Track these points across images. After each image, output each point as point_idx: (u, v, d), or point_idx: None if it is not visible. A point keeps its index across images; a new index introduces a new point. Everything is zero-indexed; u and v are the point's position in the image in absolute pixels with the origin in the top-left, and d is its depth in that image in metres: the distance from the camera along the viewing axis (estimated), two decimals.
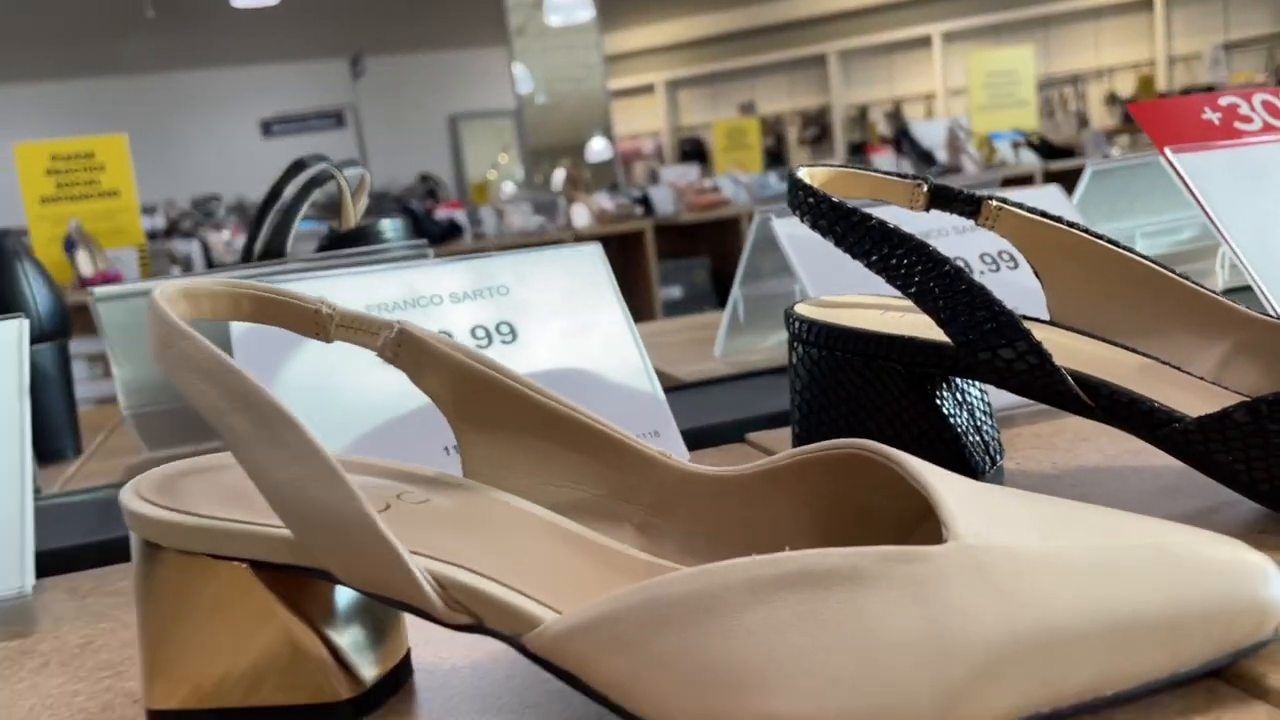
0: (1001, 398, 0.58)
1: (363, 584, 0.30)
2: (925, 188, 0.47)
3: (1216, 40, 7.93)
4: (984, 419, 0.47)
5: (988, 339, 0.41)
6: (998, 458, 0.46)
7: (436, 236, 3.39)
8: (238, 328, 0.51)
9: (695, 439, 0.59)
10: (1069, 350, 0.44)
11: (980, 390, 0.48)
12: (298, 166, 0.80)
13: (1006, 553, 0.27)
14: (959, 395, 0.46)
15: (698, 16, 9.48)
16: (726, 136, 5.41)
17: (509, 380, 0.35)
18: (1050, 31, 8.61)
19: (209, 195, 7.09)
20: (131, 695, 0.36)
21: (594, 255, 0.58)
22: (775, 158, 8.44)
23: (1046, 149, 3.77)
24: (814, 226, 0.45)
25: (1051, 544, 0.28)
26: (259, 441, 0.29)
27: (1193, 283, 0.45)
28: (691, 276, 3.92)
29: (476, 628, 0.29)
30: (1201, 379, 0.44)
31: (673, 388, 0.75)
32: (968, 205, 0.47)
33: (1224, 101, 0.73)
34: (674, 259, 3.91)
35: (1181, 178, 0.65)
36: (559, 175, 4.74)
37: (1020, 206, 0.47)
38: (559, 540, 0.34)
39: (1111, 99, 8.46)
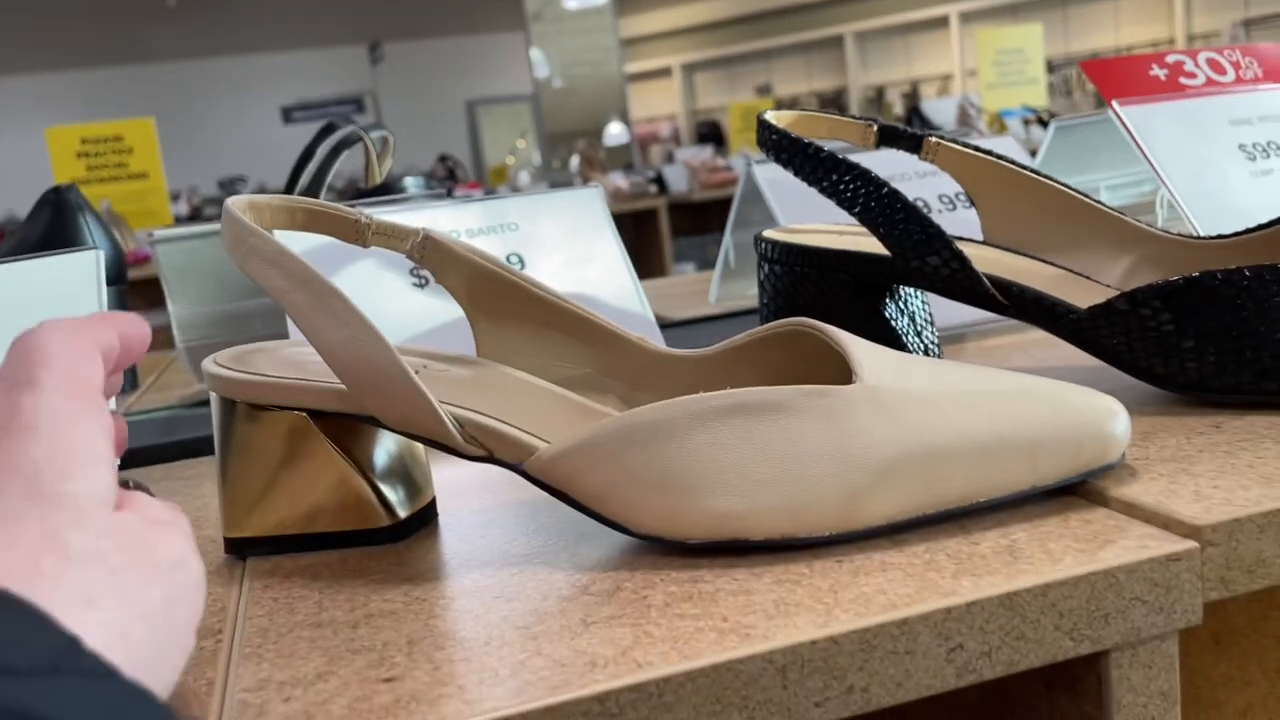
0: (953, 316, 0.65)
1: (400, 424, 0.38)
2: (875, 127, 0.55)
3: (1235, 18, 7.90)
4: (925, 325, 0.54)
5: (918, 248, 0.48)
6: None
7: None
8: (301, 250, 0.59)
9: None
10: (993, 262, 0.51)
11: (923, 302, 0.55)
12: (328, 129, 0.88)
13: (899, 391, 0.35)
14: (902, 304, 0.53)
15: (712, 0, 9.50)
16: (742, 118, 5.46)
17: (515, 277, 0.43)
18: (1069, 11, 8.59)
19: (234, 177, 7.20)
20: (209, 539, 0.44)
21: (594, 197, 0.66)
22: None
23: None
24: (777, 160, 0.53)
25: (937, 386, 0.36)
26: (315, 312, 0.37)
27: (1104, 206, 0.53)
28: (705, 253, 4.00)
29: (488, 458, 0.37)
30: (1109, 286, 0.51)
31: (668, 325, 0.83)
32: (910, 142, 0.54)
33: (1171, 59, 0.79)
34: (687, 236, 3.99)
35: (1126, 127, 0.72)
36: (576, 160, 4.83)
37: (956, 142, 0.54)
38: (555, 401, 0.42)
39: None
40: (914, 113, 4.30)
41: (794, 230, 0.56)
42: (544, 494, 0.37)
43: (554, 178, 5.10)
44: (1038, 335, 0.63)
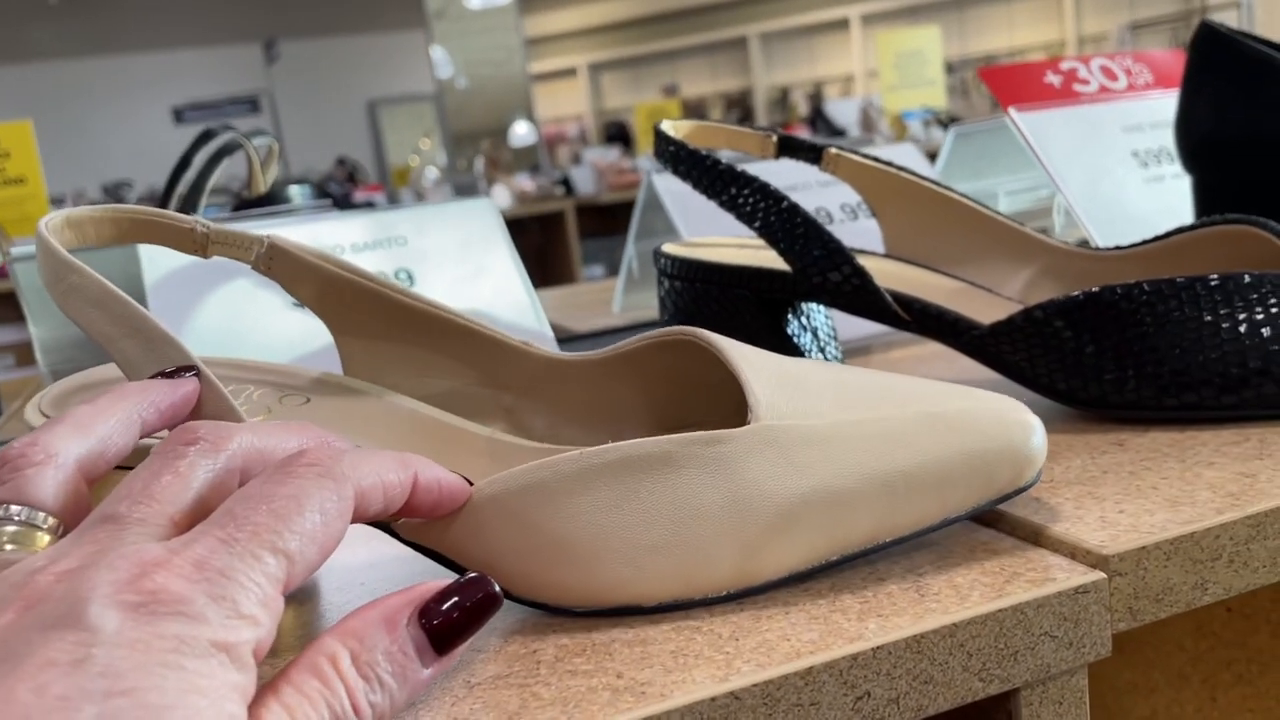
0: (857, 329, 0.64)
1: None
2: (774, 138, 0.53)
3: (1122, 20, 8.20)
4: (828, 340, 0.53)
5: (819, 264, 0.47)
6: None
7: None
8: (151, 275, 0.56)
9: None
10: (894, 276, 0.50)
11: (826, 317, 0.54)
12: (206, 136, 0.84)
13: (797, 430, 0.33)
14: (804, 320, 0.52)
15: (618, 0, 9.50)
16: (649, 118, 5.46)
17: (376, 285, 0.40)
18: (965, 14, 8.81)
19: (120, 182, 6.94)
20: None
21: (486, 209, 0.63)
22: None
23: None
24: (675, 172, 0.51)
25: (840, 418, 0.34)
26: (148, 362, 0.33)
27: (1004, 218, 0.52)
28: (614, 255, 3.98)
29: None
30: (1010, 299, 0.51)
31: (571, 338, 0.81)
32: (810, 153, 0.53)
33: (1065, 66, 0.80)
34: (596, 238, 3.97)
35: (1023, 134, 0.72)
36: (481, 162, 4.77)
37: (856, 153, 0.53)
38: (430, 432, 0.39)
39: None
40: (818, 114, 4.35)
41: (694, 245, 0.54)
42: None
43: (459, 179, 5.03)
44: (941, 347, 0.63)
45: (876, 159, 0.53)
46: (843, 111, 4.22)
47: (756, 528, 0.32)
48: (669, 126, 0.52)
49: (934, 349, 0.63)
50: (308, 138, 8.54)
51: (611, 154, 4.96)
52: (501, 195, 3.74)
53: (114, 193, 6.48)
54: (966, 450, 0.34)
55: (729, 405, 0.39)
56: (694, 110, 9.14)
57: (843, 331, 0.56)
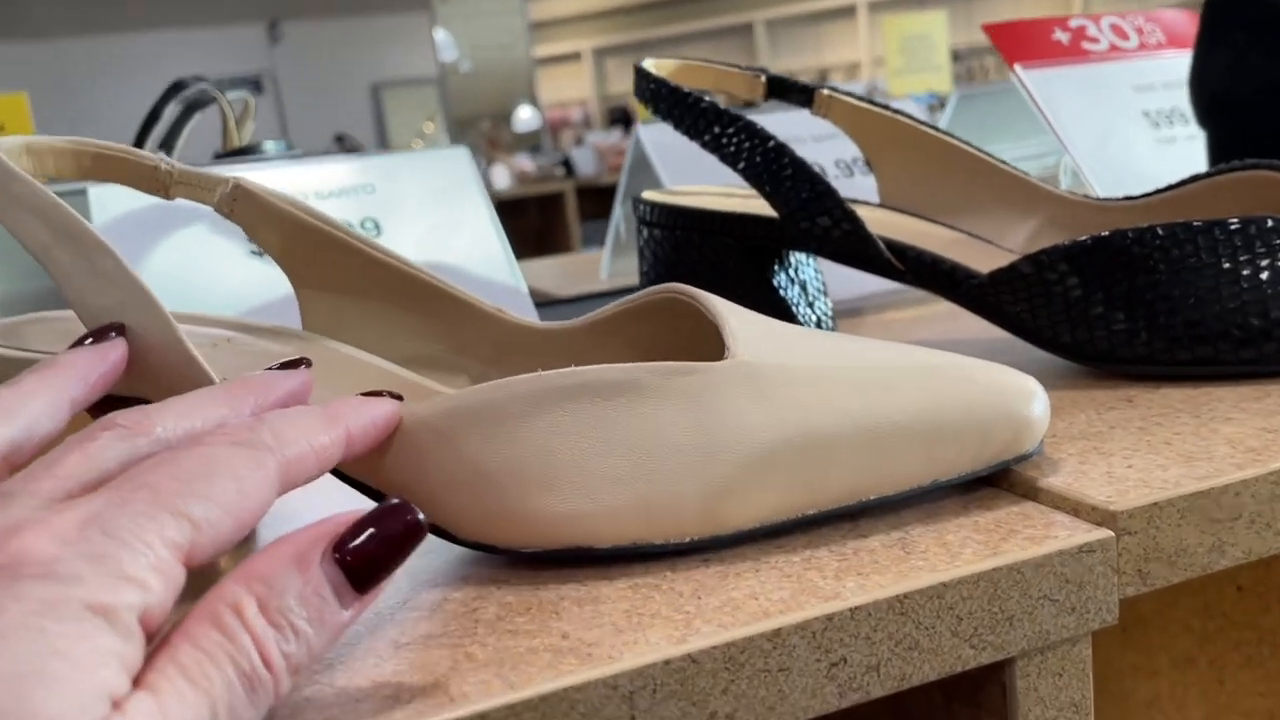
0: (850, 288, 0.61)
1: None
2: (763, 78, 0.50)
3: (1132, 6, 8.12)
4: (817, 295, 0.50)
5: (807, 208, 0.43)
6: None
7: None
8: (100, 218, 0.52)
9: None
10: (889, 225, 0.47)
11: (815, 270, 0.50)
12: (176, 88, 0.80)
13: (778, 368, 0.30)
14: (792, 272, 0.49)
15: None
16: None
17: (346, 236, 0.37)
18: (972, 1, 8.74)
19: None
20: None
21: (461, 157, 0.60)
22: None
23: None
24: (656, 111, 0.47)
25: (823, 363, 0.31)
26: (80, 272, 0.31)
27: (1008, 166, 0.49)
28: None
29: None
30: (1011, 251, 0.47)
31: (551, 302, 0.78)
32: (802, 95, 0.50)
33: (1074, 23, 0.76)
34: (596, 220, 3.92)
35: (1029, 92, 0.69)
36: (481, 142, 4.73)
37: (850, 95, 0.49)
38: (387, 382, 0.36)
39: None
40: None
41: (676, 192, 0.51)
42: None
43: None
44: (940, 308, 0.59)
45: (873, 102, 0.49)
46: None
47: (727, 466, 0.29)
48: (651, 64, 0.49)
49: (933, 309, 0.59)
50: (312, 119, 8.49)
51: (614, 136, 4.92)
52: (501, 175, 3.70)
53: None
54: (961, 404, 0.30)
55: None
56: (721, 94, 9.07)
57: (834, 291, 0.53)
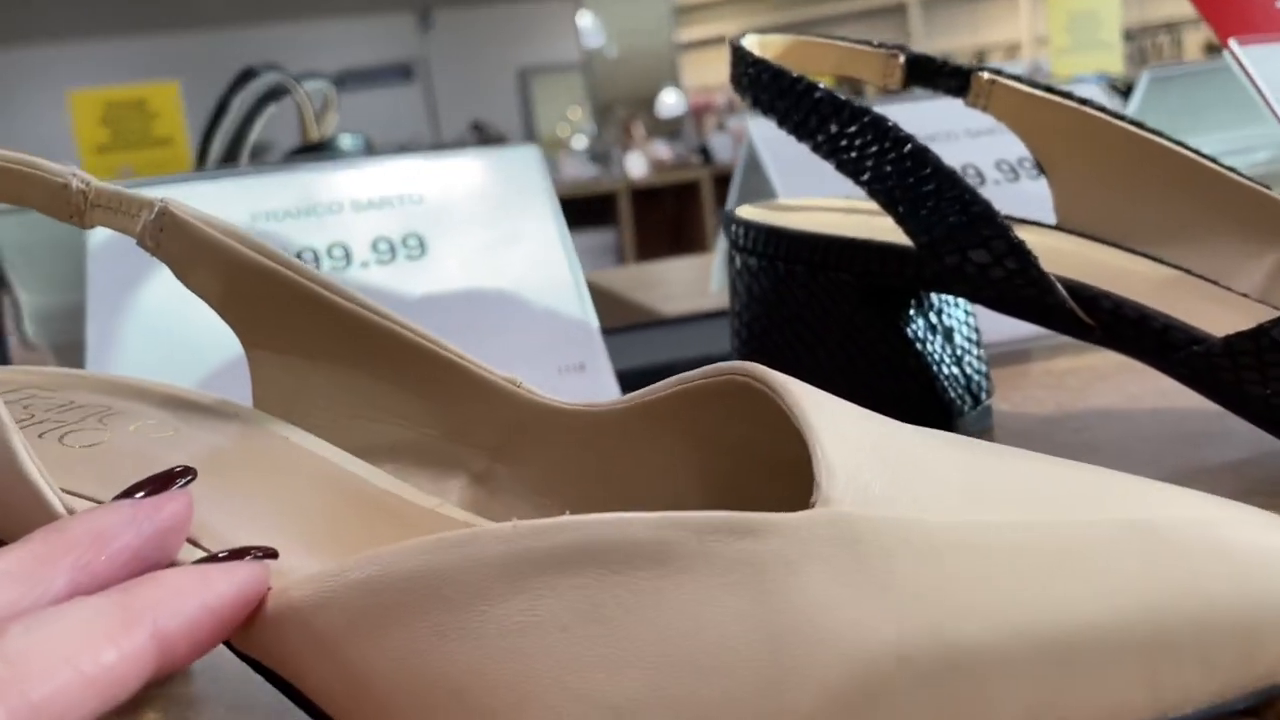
0: (1011, 328, 0.48)
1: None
2: (901, 58, 0.38)
3: None
4: (967, 347, 0.38)
5: (955, 237, 0.31)
6: (982, 395, 0.37)
7: None
8: (95, 239, 0.45)
9: (654, 377, 0.51)
10: (1071, 257, 0.34)
11: (966, 312, 0.38)
12: (246, 76, 0.73)
13: (900, 526, 0.19)
14: (933, 317, 0.37)
15: None
16: None
17: (307, 281, 0.27)
18: None
19: (268, 144, 7.13)
20: None
21: (529, 159, 0.49)
22: None
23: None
24: (755, 104, 0.36)
25: (972, 517, 0.19)
26: None
27: (1240, 176, 0.35)
28: None
29: None
30: (1245, 296, 0.34)
31: (656, 323, 0.67)
32: (953, 79, 0.38)
33: None
34: None
35: (1246, 71, 0.54)
36: (636, 130, 4.65)
37: (1018, 80, 0.37)
38: (341, 494, 0.26)
39: (1210, 48, 8.03)
40: None
41: (779, 208, 0.40)
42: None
43: (602, 148, 4.93)
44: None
45: (1050, 88, 0.37)
46: None
47: (807, 696, 0.17)
48: (753, 41, 0.38)
49: (1118, 358, 0.46)
50: (460, 105, 8.61)
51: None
52: (636, 164, 3.61)
53: (260, 153, 6.66)
54: (1207, 592, 0.19)
55: (795, 483, 0.24)
56: (848, 78, 8.82)
57: (986, 328, 0.41)
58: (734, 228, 0.38)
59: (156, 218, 0.27)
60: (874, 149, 0.32)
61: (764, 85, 0.35)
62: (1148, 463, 0.32)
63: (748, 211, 0.38)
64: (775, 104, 0.35)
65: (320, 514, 0.25)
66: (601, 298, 0.96)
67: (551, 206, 0.48)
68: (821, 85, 0.34)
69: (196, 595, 0.17)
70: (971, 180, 0.51)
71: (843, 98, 0.33)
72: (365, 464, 0.27)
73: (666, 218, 3.44)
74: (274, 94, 0.73)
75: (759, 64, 0.35)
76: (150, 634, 0.16)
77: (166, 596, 0.17)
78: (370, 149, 0.73)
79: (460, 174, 0.48)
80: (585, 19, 7.36)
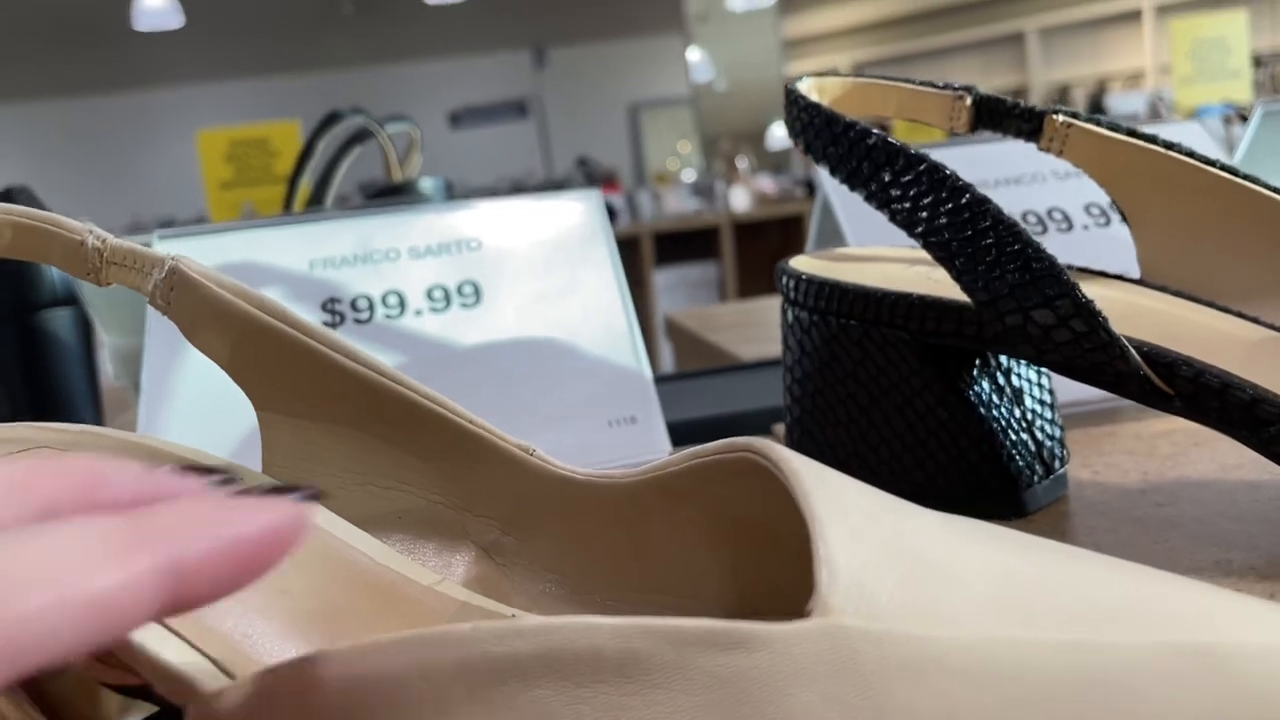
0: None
1: None
2: (968, 100, 0.35)
3: None
4: (1039, 410, 0.35)
5: (1016, 296, 0.29)
6: (1055, 464, 0.34)
7: None
8: None
9: (718, 429, 0.49)
10: (1153, 315, 0.31)
11: (1040, 372, 0.35)
12: (331, 119, 0.74)
13: (907, 645, 0.16)
14: (1000, 378, 0.34)
15: None
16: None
17: (315, 343, 0.26)
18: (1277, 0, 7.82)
19: (389, 184, 7.34)
20: None
21: (589, 205, 0.48)
22: None
23: None
24: (808, 150, 0.34)
25: (998, 633, 0.17)
26: None
27: None
28: None
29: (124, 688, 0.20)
30: None
31: (734, 368, 0.65)
32: (1026, 122, 0.35)
33: None
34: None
35: None
36: (740, 162, 4.63)
37: (1096, 123, 0.34)
38: (337, 569, 0.25)
39: None
40: (1096, 110, 3.91)
41: (834, 258, 0.37)
42: None
43: (706, 182, 4.93)
44: None
45: (1133, 131, 0.34)
46: (1125, 106, 3.77)
47: None
48: (810, 86, 0.36)
49: None
50: (572, 140, 8.76)
51: None
52: (740, 198, 3.59)
53: (369, 190, 6.86)
54: None
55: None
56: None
57: (1070, 386, 0.38)
58: (784, 279, 0.36)
59: (166, 276, 0.26)
60: (928, 199, 0.30)
61: (816, 131, 0.33)
62: (1239, 546, 0.29)
63: (800, 262, 0.36)
64: (827, 151, 0.33)
65: (312, 591, 0.24)
66: (677, 336, 0.94)
67: (610, 253, 0.47)
68: (875, 130, 0.32)
69: (216, 528, 0.15)
70: (1059, 226, 0.48)
71: (897, 144, 0.31)
72: (367, 536, 0.26)
73: (768, 252, 3.41)
74: (359, 137, 0.74)
75: (811, 108, 0.33)
76: (157, 562, 0.14)
77: (180, 525, 0.15)
78: (450, 191, 0.73)
79: (519, 220, 0.47)
80: (695, 54, 7.41)
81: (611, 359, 0.44)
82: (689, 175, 6.32)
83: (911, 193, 0.30)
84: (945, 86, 0.36)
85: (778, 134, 7.20)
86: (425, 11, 7.57)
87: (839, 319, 0.34)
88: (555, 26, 8.97)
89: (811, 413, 0.35)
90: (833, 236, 0.67)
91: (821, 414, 0.35)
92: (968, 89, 0.35)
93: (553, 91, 9.37)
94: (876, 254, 0.38)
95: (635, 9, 8.61)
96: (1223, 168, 0.33)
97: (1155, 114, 3.52)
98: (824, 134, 0.33)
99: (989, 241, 0.29)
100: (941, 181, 0.30)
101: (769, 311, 1.02)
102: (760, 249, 3.35)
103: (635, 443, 0.42)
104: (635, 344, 0.44)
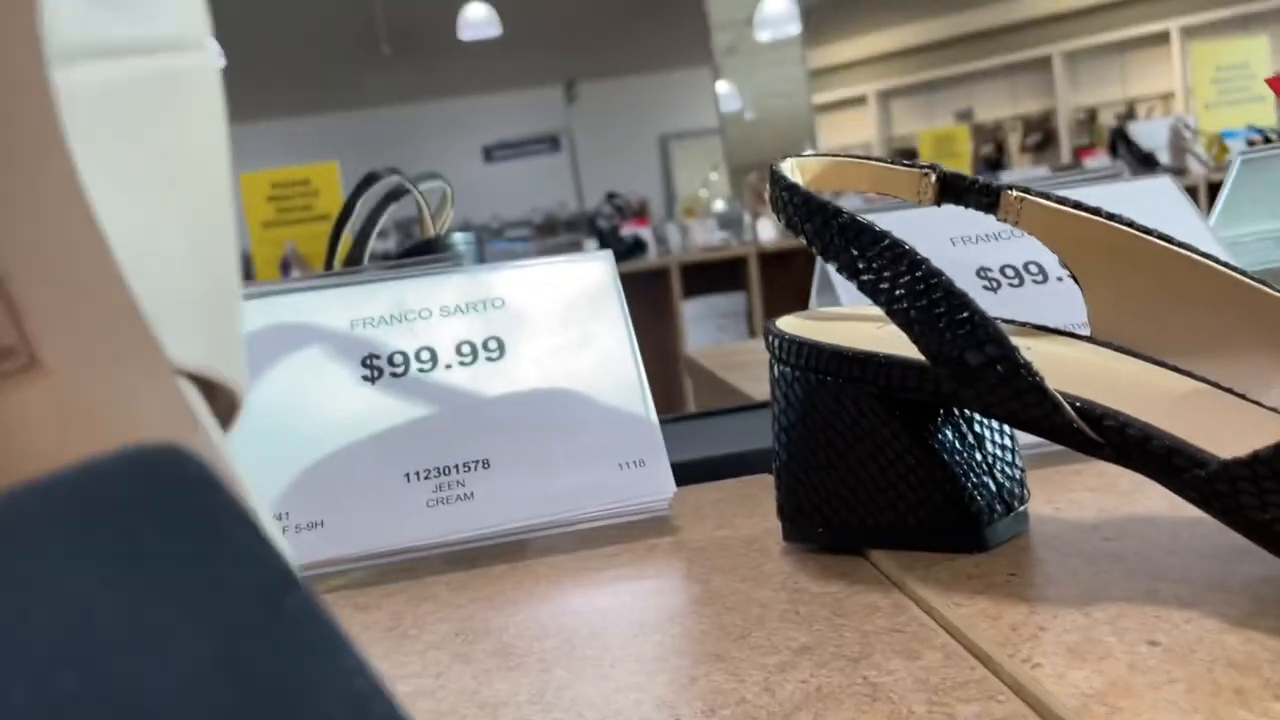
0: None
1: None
2: (933, 177, 0.40)
3: None
4: (999, 454, 0.39)
5: (958, 343, 0.33)
6: (1015, 503, 0.38)
7: (621, 254, 3.41)
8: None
9: (724, 468, 0.54)
10: (1090, 369, 0.35)
11: (1001, 424, 0.39)
12: (369, 180, 0.80)
13: None
14: (964, 427, 0.38)
15: (910, 25, 9.21)
16: (934, 145, 5.17)
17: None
18: None
19: (436, 236, 7.47)
20: None
21: (602, 265, 0.53)
22: (995, 165, 8.03)
23: None
24: (789, 226, 0.39)
25: None
26: None
27: (1271, 289, 0.36)
28: None
29: None
30: (1275, 411, 0.34)
31: (739, 409, 0.69)
32: (984, 196, 0.39)
33: None
34: None
35: None
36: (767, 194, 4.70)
37: (1047, 197, 0.38)
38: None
39: None
40: (1119, 137, 3.92)
41: (815, 317, 0.42)
42: None
43: (733, 212, 4.99)
44: None
45: (1079, 204, 0.38)
46: (1150, 133, 3.78)
47: None
48: (790, 166, 0.40)
49: None
50: (603, 173, 8.87)
51: None
52: (767, 229, 3.64)
53: (409, 227, 6.98)
54: None
55: None
56: (991, 134, 8.67)
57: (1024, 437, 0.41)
58: (770, 338, 0.40)
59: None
60: (889, 272, 0.34)
61: (795, 208, 0.38)
62: (1169, 578, 0.33)
63: (785, 323, 0.41)
64: (804, 227, 0.37)
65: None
66: (695, 374, 0.98)
67: (620, 309, 0.51)
68: (845, 211, 0.36)
69: None
70: (1034, 278, 0.52)
71: (863, 222, 0.36)
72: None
73: (795, 282, 3.45)
74: (395, 195, 0.79)
75: (791, 188, 0.38)
76: None
77: None
78: (481, 245, 0.78)
79: (539, 280, 0.52)
80: (723, 84, 7.49)
81: (622, 407, 0.48)
82: (719, 205, 6.38)
83: (874, 265, 0.35)
84: (913, 165, 0.40)
85: None
86: (460, 49, 7.72)
87: (817, 374, 0.38)
88: (586, 62, 9.11)
89: (796, 457, 0.39)
90: (830, 285, 0.71)
91: (805, 458, 0.39)
92: (932, 167, 0.40)
93: (584, 125, 9.51)
94: (852, 313, 0.42)
95: (664, 43, 8.72)
96: (1160, 236, 0.37)
97: (1178, 140, 3.53)
98: (801, 211, 0.37)
99: (940, 311, 0.33)
100: (900, 257, 0.34)
101: (755, 350, 1.06)
102: (787, 279, 3.39)
103: (643, 484, 0.46)
104: (644, 394, 0.49)
